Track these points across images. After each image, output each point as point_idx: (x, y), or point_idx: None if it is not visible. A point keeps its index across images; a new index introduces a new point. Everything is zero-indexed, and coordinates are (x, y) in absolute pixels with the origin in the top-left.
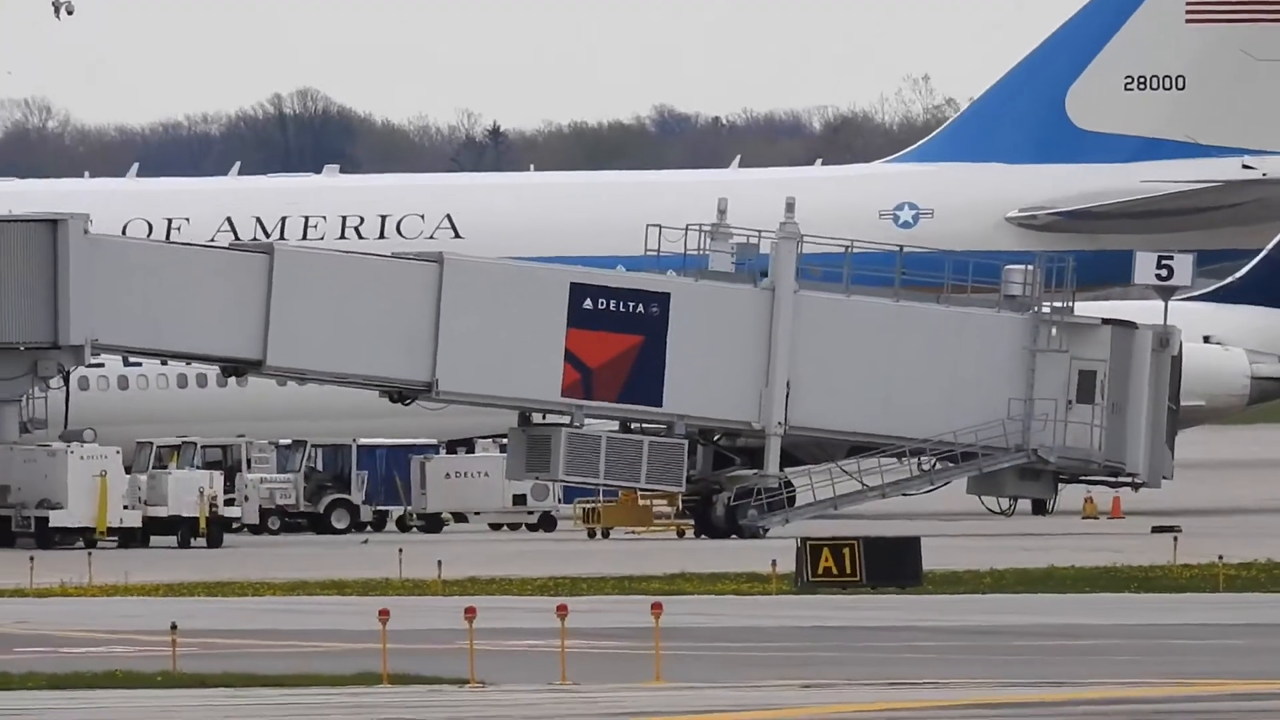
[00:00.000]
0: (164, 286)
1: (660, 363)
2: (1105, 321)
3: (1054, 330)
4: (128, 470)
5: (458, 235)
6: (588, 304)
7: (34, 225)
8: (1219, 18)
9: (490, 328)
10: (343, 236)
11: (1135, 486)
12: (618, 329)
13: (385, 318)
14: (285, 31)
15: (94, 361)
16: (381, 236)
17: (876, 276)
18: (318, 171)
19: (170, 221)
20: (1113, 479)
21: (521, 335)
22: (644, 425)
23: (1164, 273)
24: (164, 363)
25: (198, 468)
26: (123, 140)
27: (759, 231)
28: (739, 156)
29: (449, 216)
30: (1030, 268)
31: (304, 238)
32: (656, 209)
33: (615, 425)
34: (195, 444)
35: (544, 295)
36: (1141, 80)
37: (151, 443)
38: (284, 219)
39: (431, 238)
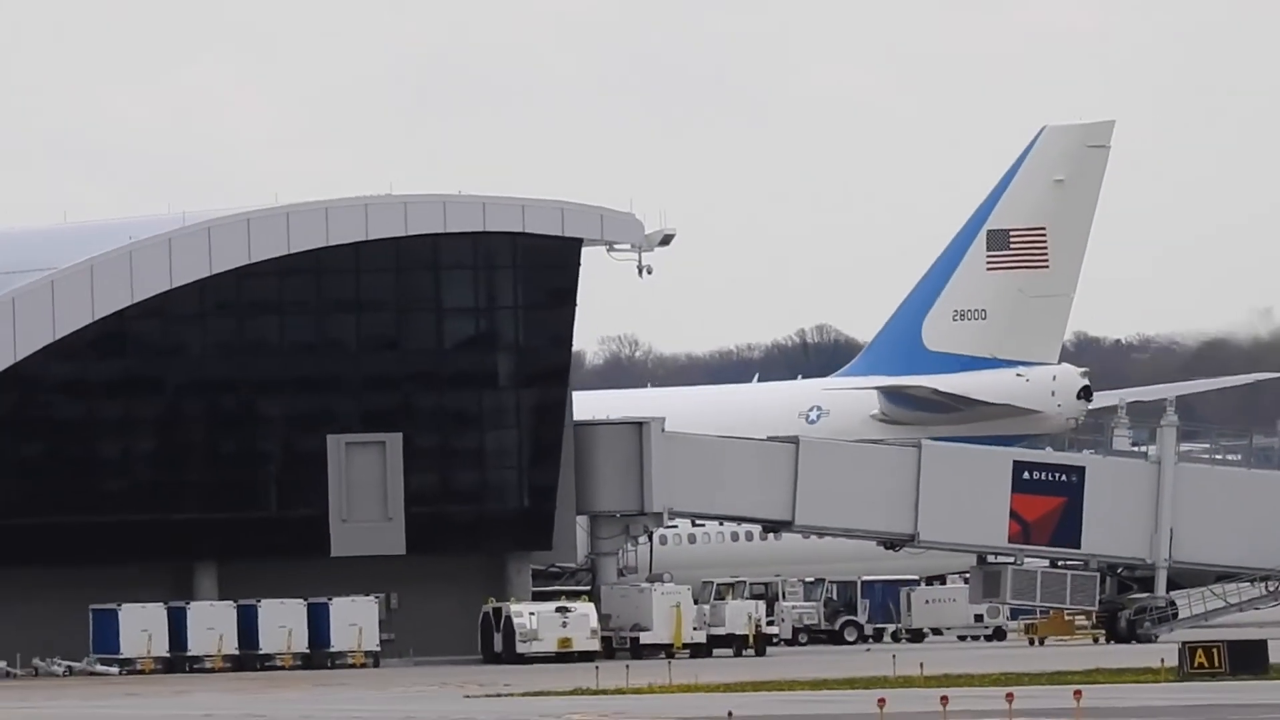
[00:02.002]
0: (719, 468)
1: (1079, 516)
2: None
3: None
4: (695, 602)
5: None
6: (1026, 475)
7: (625, 426)
8: (1005, 266)
9: (956, 493)
10: None
11: None
12: (1048, 493)
13: (879, 488)
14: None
15: (669, 524)
16: None
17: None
18: None
19: None
20: None
21: (978, 498)
22: (1067, 562)
23: None
24: (720, 524)
25: (747, 599)
26: (689, 363)
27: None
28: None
29: None
30: None
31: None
32: None
33: (1046, 562)
34: (745, 581)
35: (994, 469)
36: (960, 314)
37: (713, 581)
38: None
39: None
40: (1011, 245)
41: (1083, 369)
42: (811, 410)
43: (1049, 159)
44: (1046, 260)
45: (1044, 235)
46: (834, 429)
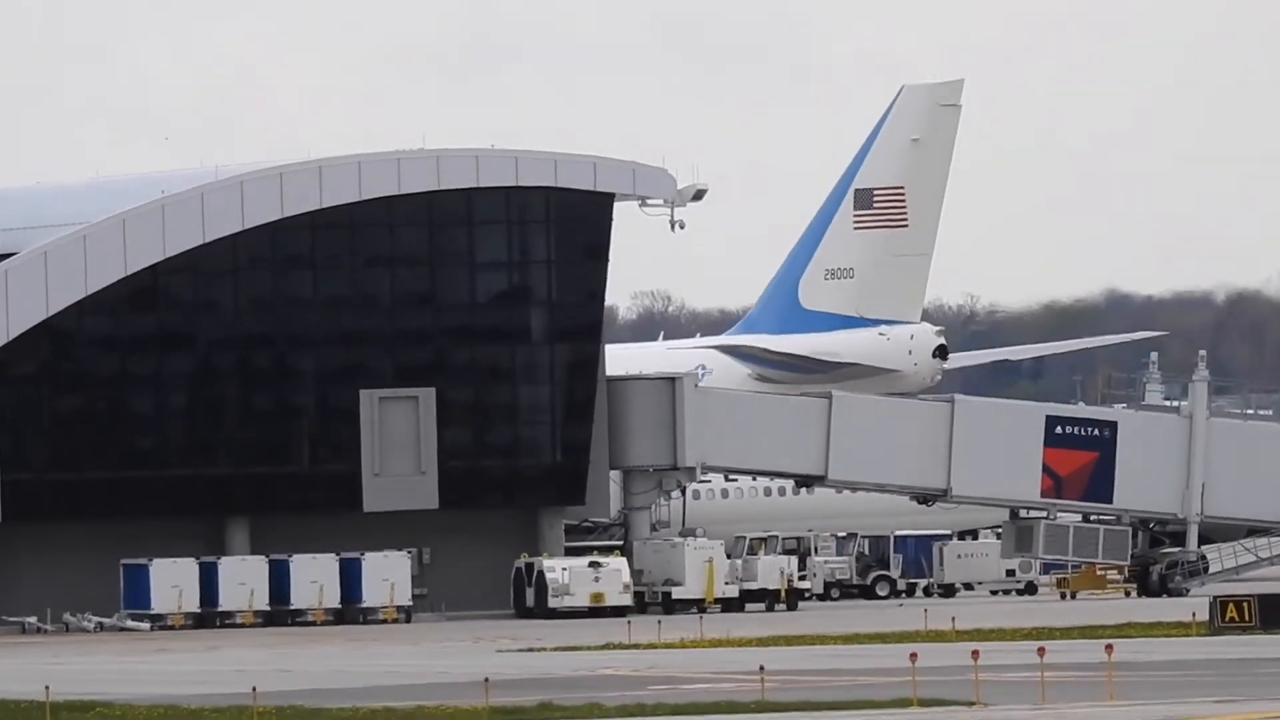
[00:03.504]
0: (753, 423)
1: (1111, 471)
2: None
3: None
4: (728, 556)
5: None
6: (1058, 430)
7: (659, 381)
8: (870, 226)
9: (988, 448)
10: None
11: None
12: (1080, 448)
13: (912, 442)
14: None
15: (702, 478)
16: None
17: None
18: None
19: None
20: None
21: (1010, 453)
22: (1099, 517)
23: None
24: (754, 478)
25: (779, 554)
26: (722, 318)
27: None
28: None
29: None
30: None
31: None
32: None
33: (1079, 517)
34: (777, 536)
35: (1027, 424)
36: (831, 273)
37: (745, 536)
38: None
39: None
40: (875, 205)
41: (938, 328)
42: (698, 369)
43: (907, 118)
44: (906, 220)
45: (903, 195)
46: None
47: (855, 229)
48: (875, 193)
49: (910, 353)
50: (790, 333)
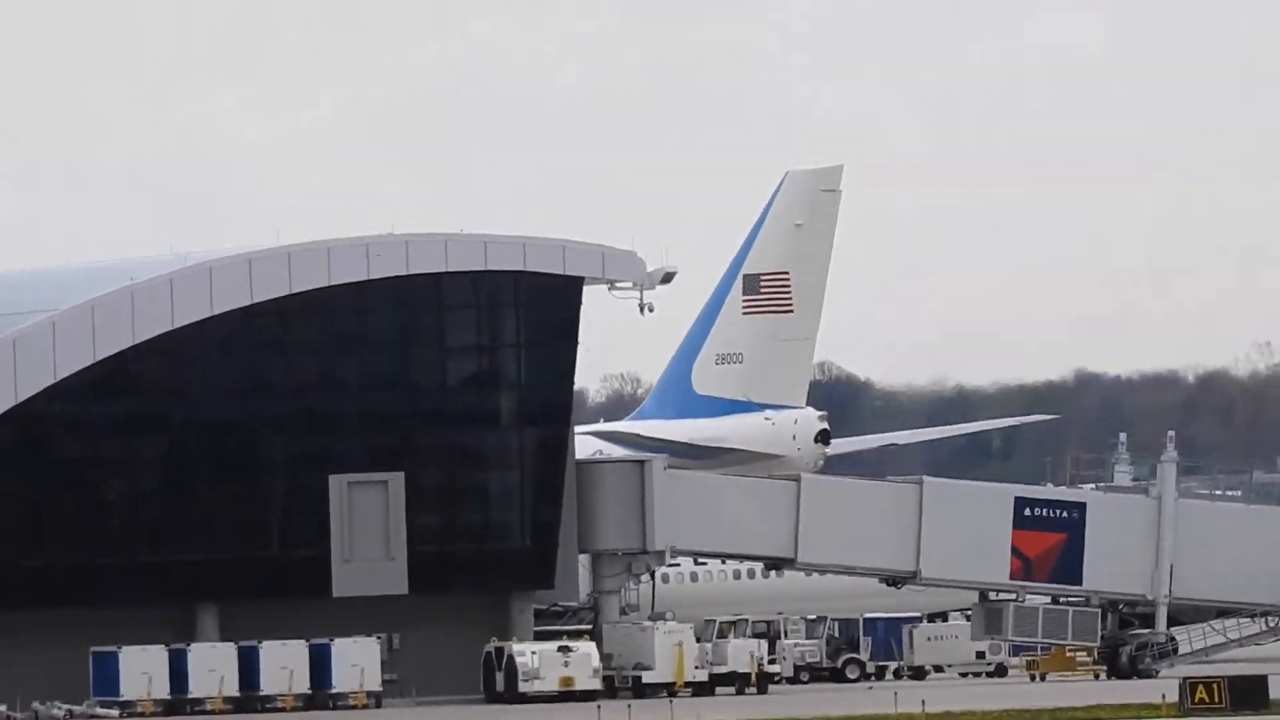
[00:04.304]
0: (722, 506)
1: (1080, 553)
2: None
3: None
4: (697, 640)
5: None
6: (1027, 511)
7: (628, 464)
8: (757, 311)
9: (957, 530)
10: None
11: None
12: (1049, 529)
13: (881, 525)
14: None
15: (671, 562)
16: None
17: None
18: None
19: None
20: None
21: (979, 535)
22: (1069, 598)
23: None
24: (723, 561)
25: (749, 637)
26: None
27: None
28: None
29: None
30: None
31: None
32: None
33: (1048, 599)
34: (747, 620)
35: (995, 505)
36: (722, 357)
37: (715, 620)
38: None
39: None
40: (761, 290)
41: (821, 413)
42: (596, 453)
43: (790, 203)
44: (791, 305)
45: (788, 280)
46: None
47: (744, 314)
48: (762, 278)
49: (794, 437)
50: (683, 417)
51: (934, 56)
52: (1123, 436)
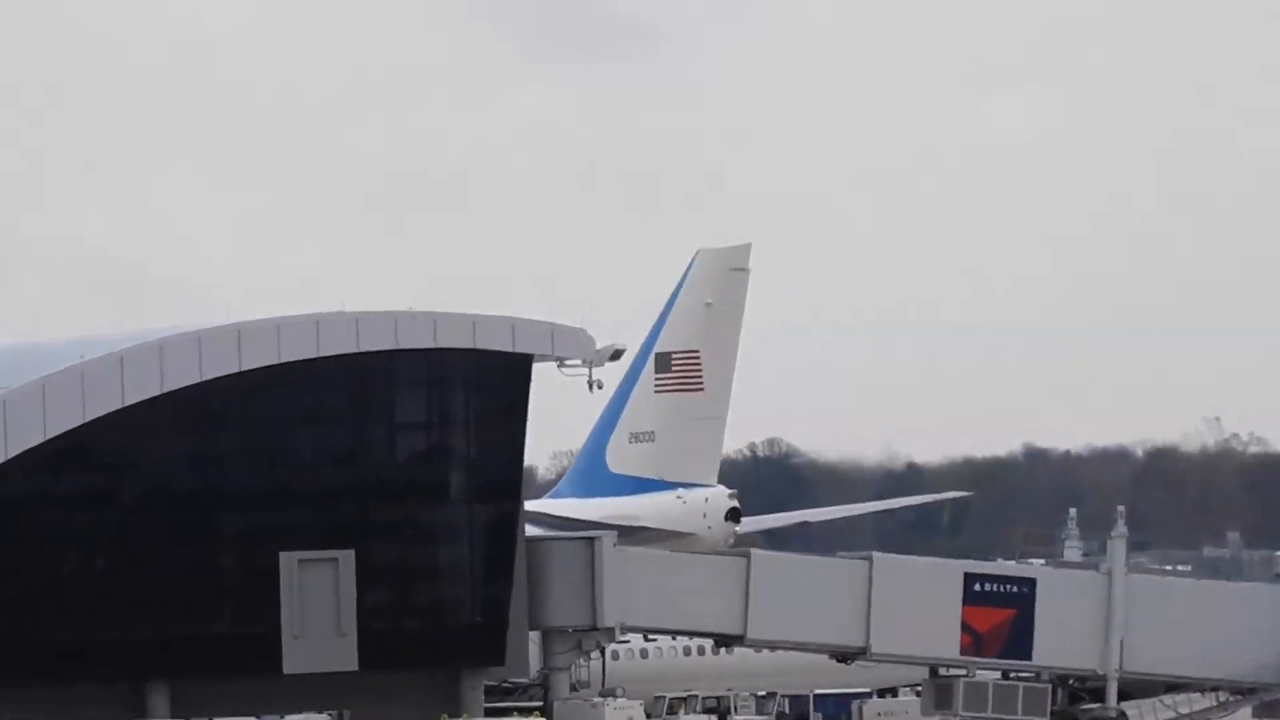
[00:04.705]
0: (672, 582)
1: (1030, 628)
2: None
3: None
4: (648, 716)
5: None
6: (977, 587)
7: (577, 541)
8: (669, 389)
9: (907, 605)
10: None
11: None
12: (999, 605)
13: (830, 601)
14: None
15: (621, 638)
16: None
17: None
18: None
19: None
20: None
21: (929, 611)
22: (1019, 674)
23: None
24: (673, 638)
25: (699, 713)
26: None
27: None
28: None
29: None
30: None
31: None
32: None
33: (998, 674)
34: (697, 696)
35: (945, 581)
36: (635, 436)
37: (665, 696)
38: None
39: None
40: (673, 368)
41: (731, 491)
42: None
43: (701, 282)
44: (701, 383)
45: (698, 359)
46: None
47: (656, 392)
48: (673, 356)
49: (705, 515)
50: (596, 495)
51: (871, 140)
52: (1073, 512)
